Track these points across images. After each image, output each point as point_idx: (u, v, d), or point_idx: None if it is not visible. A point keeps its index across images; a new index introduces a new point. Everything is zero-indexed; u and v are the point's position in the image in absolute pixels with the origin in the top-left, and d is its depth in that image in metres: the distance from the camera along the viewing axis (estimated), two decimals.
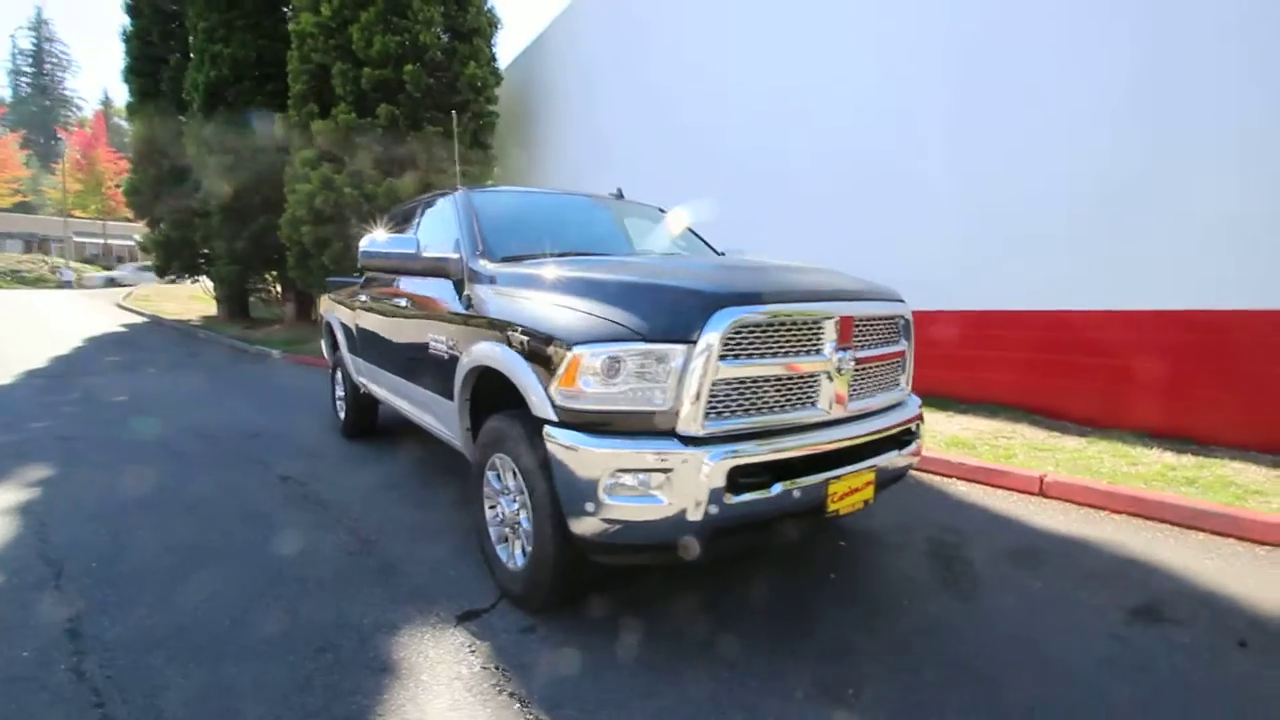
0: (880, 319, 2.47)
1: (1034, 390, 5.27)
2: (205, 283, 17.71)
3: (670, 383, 2.01)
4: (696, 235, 4.00)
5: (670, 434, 2.04)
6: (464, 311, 2.77)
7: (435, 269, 3.02)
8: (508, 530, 2.57)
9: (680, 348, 2.00)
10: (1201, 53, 4.41)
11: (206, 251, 15.92)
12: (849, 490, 2.27)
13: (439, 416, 3.19)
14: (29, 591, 2.64)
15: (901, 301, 2.62)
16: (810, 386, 2.25)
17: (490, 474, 2.66)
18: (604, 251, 3.47)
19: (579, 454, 2.04)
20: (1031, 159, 5.28)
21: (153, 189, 15.88)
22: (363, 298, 4.41)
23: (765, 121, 7.90)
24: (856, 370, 2.35)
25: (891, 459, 2.48)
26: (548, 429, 2.14)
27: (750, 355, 2.09)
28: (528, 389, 2.22)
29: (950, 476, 4.18)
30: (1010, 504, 3.72)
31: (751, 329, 2.08)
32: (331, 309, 5.55)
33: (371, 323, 4.17)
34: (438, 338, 3.00)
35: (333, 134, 11.21)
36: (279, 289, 16.08)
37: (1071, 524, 3.41)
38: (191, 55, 14.16)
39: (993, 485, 4.00)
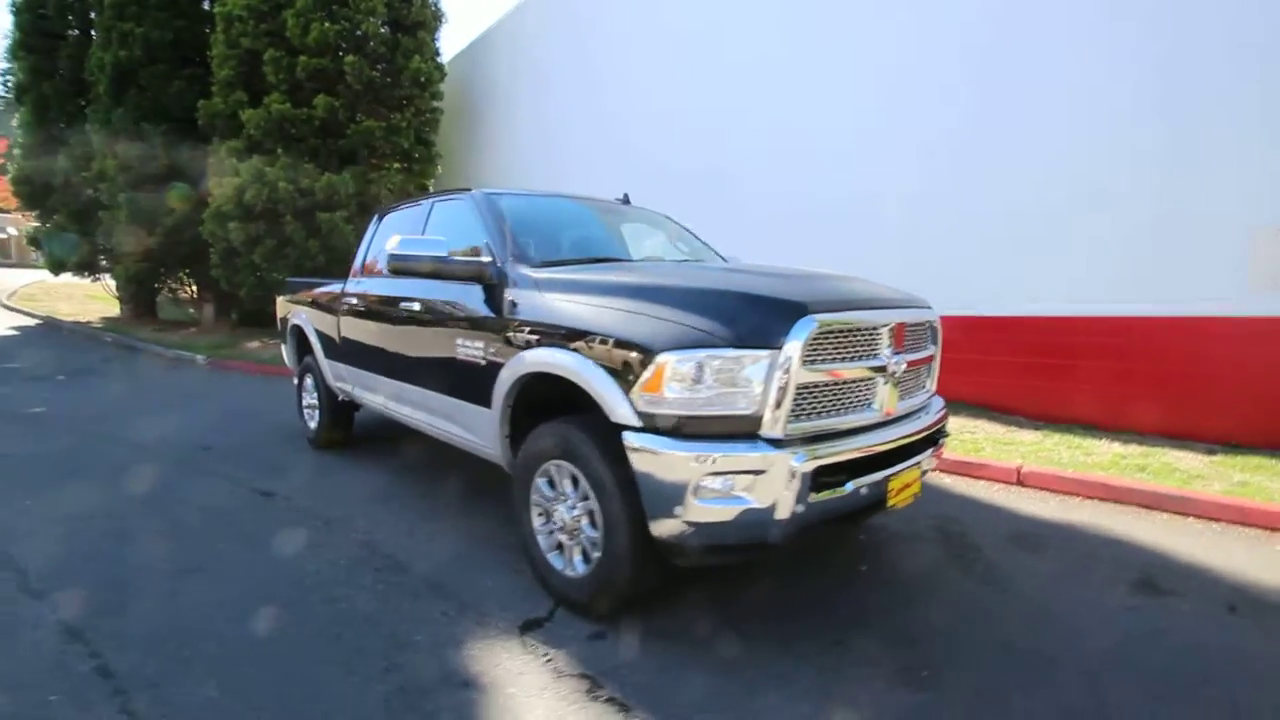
0: (921, 325, 2.63)
1: (991, 389, 5.70)
2: (107, 281, 16.17)
3: (755, 388, 2.08)
4: (703, 242, 4.08)
5: (752, 437, 2.11)
6: (506, 317, 2.72)
7: (466, 273, 2.94)
8: (563, 537, 2.56)
9: (765, 354, 2.07)
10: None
11: (108, 248, 14.55)
12: (903, 486, 2.41)
13: (465, 424, 3.11)
14: (44, 658, 2.39)
15: (931, 309, 2.80)
16: (869, 389, 2.38)
17: (540, 481, 2.63)
18: (626, 256, 3.49)
19: (667, 459, 2.07)
20: (966, 178, 5.71)
21: (45, 178, 14.35)
22: (351, 301, 4.20)
23: (712, 130, 8.11)
24: (904, 373, 2.50)
25: (927, 456, 2.65)
26: (629, 435, 2.16)
27: (823, 360, 2.19)
28: (604, 395, 2.22)
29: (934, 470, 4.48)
30: (994, 494, 4.03)
31: (827, 335, 2.18)
32: (296, 312, 5.25)
33: (365, 327, 3.99)
34: (469, 344, 2.93)
35: (265, 124, 10.55)
36: (195, 289, 14.92)
37: (1053, 510, 3.73)
38: (95, 33, 12.93)
39: (973, 477, 4.31)
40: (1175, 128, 4.70)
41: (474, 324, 2.92)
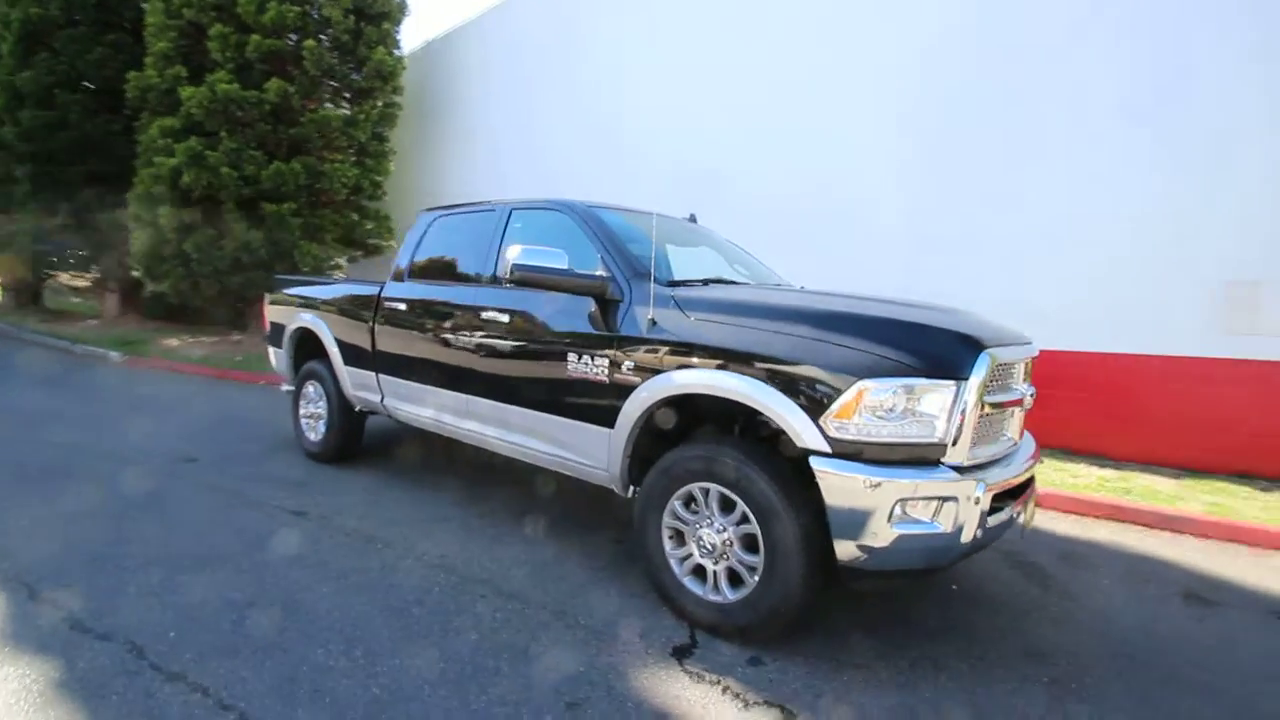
0: (1035, 360, 2.84)
1: None
2: None
3: (942, 417, 2.17)
4: (766, 266, 4.17)
5: (937, 464, 2.20)
6: (645, 335, 2.67)
7: (589, 288, 2.86)
8: (706, 561, 2.53)
9: (952, 384, 2.17)
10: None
11: None
12: (1029, 509, 2.59)
13: (568, 443, 3.00)
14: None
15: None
16: (1008, 420, 2.54)
17: (676, 504, 2.60)
18: (732, 277, 3.50)
19: (861, 484, 2.12)
20: (957, 202, 6.20)
21: None
22: (396, 306, 3.95)
23: (705, 130, 8.29)
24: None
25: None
26: (818, 460, 2.19)
27: (990, 392, 2.32)
28: (789, 420, 2.24)
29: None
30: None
31: (995, 369, 2.31)
32: (301, 315, 4.86)
33: (417, 336, 3.76)
34: (588, 361, 2.84)
35: (209, 104, 9.68)
36: (96, 277, 13.36)
37: (1074, 529, 4.09)
38: None
39: None
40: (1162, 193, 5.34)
41: (594, 341, 2.84)
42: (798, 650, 2.42)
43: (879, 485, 2.12)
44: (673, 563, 2.63)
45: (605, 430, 2.83)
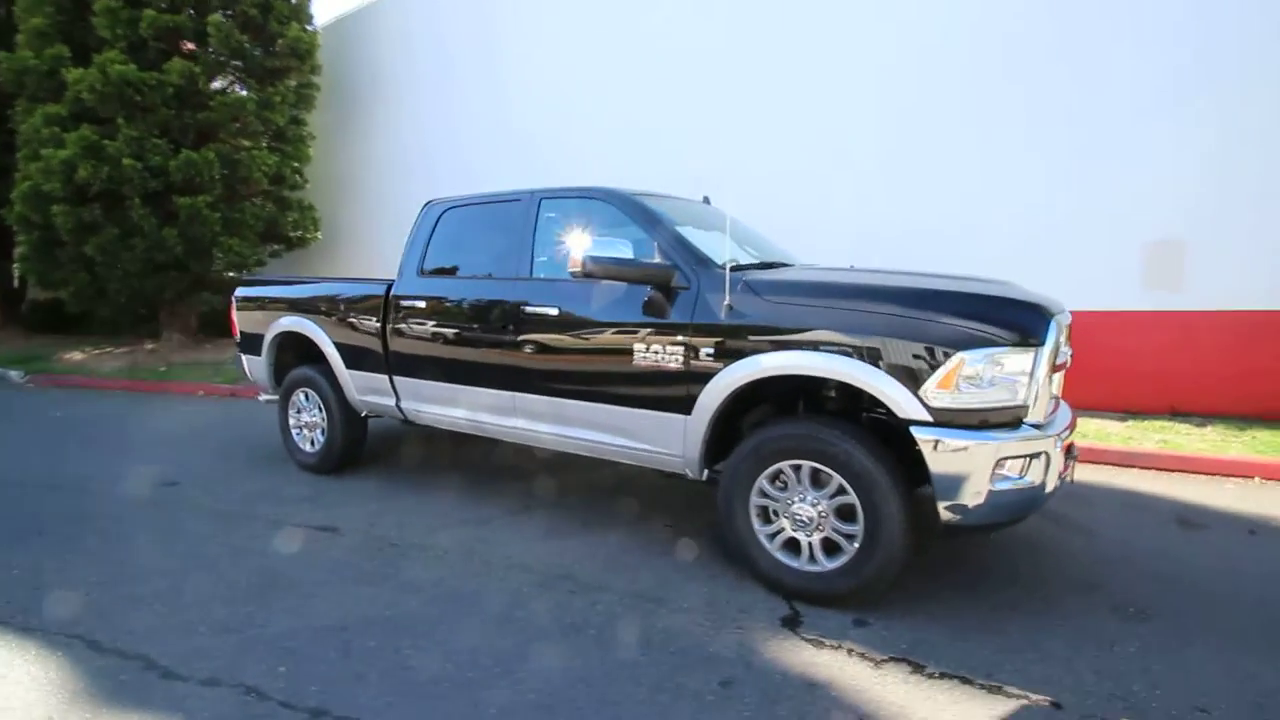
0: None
1: None
2: None
3: (1023, 380, 2.37)
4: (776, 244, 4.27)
5: (1019, 424, 2.40)
6: (724, 322, 2.71)
7: (652, 278, 2.86)
8: (799, 534, 2.64)
9: (1031, 351, 2.37)
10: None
11: None
12: (1073, 462, 2.87)
13: (638, 433, 3.01)
14: None
15: None
16: (1055, 381, 2.79)
17: (763, 482, 2.69)
18: (782, 258, 3.58)
19: (963, 448, 2.29)
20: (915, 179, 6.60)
21: None
22: (415, 305, 3.77)
23: (631, 126, 8.34)
24: None
25: None
26: (921, 430, 2.33)
27: (1053, 355, 2.55)
28: (890, 394, 2.37)
29: None
30: None
31: (1058, 333, 2.54)
32: (284, 320, 4.53)
33: (446, 335, 3.62)
34: (660, 350, 2.85)
35: (102, 88, 8.65)
36: None
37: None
38: None
39: None
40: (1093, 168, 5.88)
41: (665, 330, 2.85)
42: (890, 610, 2.58)
43: (979, 448, 2.29)
44: (763, 539, 2.72)
45: (680, 417, 2.86)
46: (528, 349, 3.31)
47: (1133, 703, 2.03)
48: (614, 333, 3.02)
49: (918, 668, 2.21)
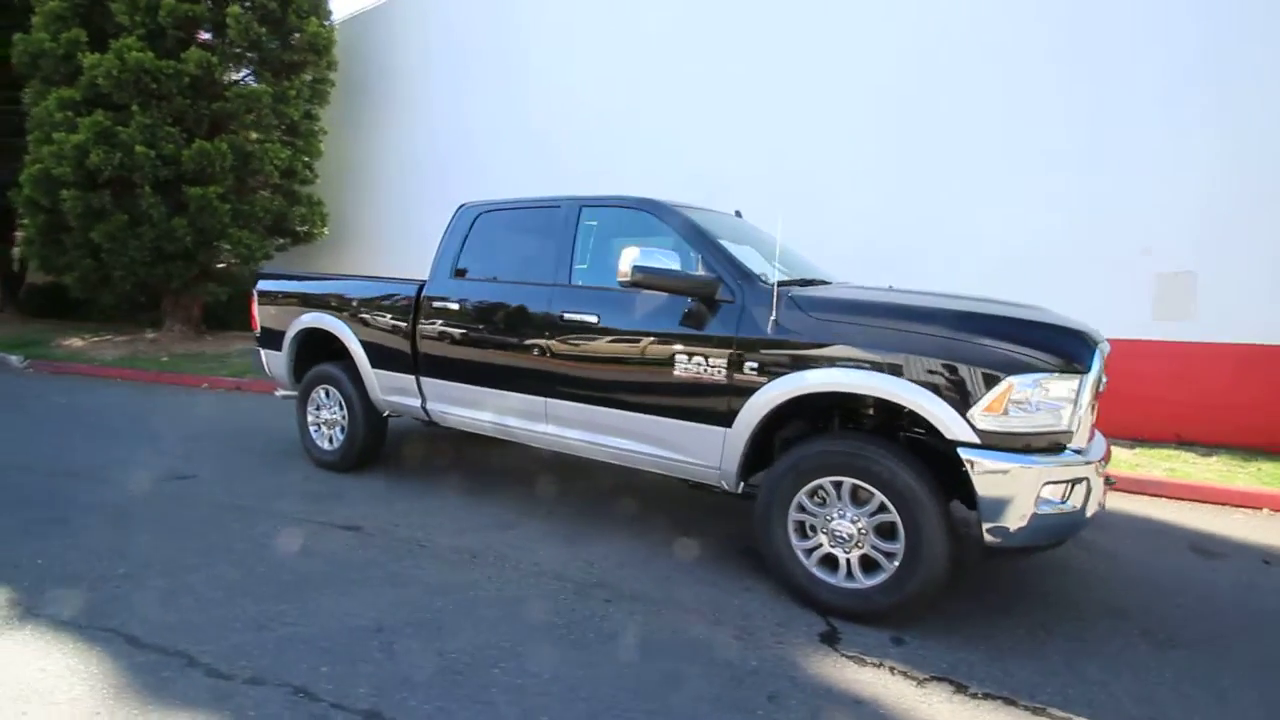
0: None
1: None
2: None
3: (1069, 407, 2.40)
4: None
5: (1063, 450, 2.43)
6: (770, 336, 2.73)
7: (697, 290, 2.88)
8: (836, 550, 2.65)
9: (1077, 378, 2.41)
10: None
11: None
12: (1106, 487, 2.91)
13: (674, 443, 3.02)
14: None
15: None
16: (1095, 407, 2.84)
17: (804, 497, 2.71)
18: (818, 274, 3.62)
19: (1013, 472, 2.32)
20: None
21: None
22: (447, 307, 3.77)
23: (650, 136, 8.41)
24: None
25: None
26: (968, 451, 2.36)
27: (1096, 383, 2.59)
28: (937, 415, 2.39)
29: None
30: None
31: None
32: (307, 316, 4.52)
33: (480, 338, 3.63)
34: (702, 362, 2.87)
35: (119, 74, 8.61)
36: None
37: None
38: None
39: None
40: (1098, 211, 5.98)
41: (709, 343, 2.87)
42: (927, 629, 2.60)
43: (1024, 471, 2.32)
44: (800, 554, 2.74)
45: (720, 430, 2.88)
46: (564, 355, 3.32)
47: None
48: (656, 343, 3.04)
49: (960, 688, 2.23)
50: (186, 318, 10.73)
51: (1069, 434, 2.43)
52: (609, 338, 3.20)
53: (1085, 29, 6.02)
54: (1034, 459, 2.35)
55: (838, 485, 2.64)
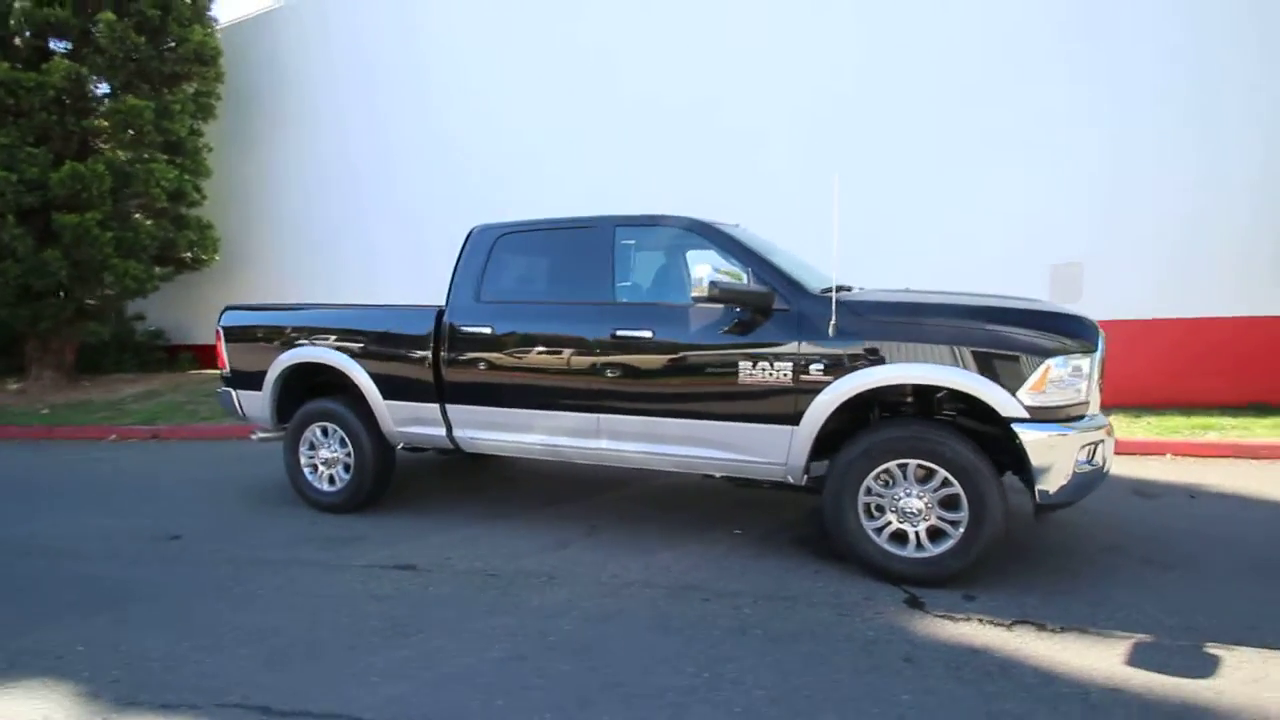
0: None
1: None
2: None
3: (1085, 381, 2.89)
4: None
5: (1083, 418, 2.92)
6: (833, 339, 3.01)
7: (758, 301, 3.11)
8: (904, 525, 2.99)
9: (1089, 357, 2.90)
10: None
11: None
12: None
13: (740, 445, 3.22)
14: None
15: None
16: None
17: (871, 481, 3.02)
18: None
19: (1062, 440, 2.76)
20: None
21: None
22: (480, 333, 3.72)
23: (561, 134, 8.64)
24: None
25: None
26: (1021, 426, 2.77)
27: (1103, 360, 3.10)
28: (994, 396, 2.79)
29: None
30: None
31: None
32: (298, 349, 4.24)
33: (520, 362, 3.64)
34: (768, 368, 3.09)
35: None
36: None
37: None
38: None
39: None
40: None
41: (773, 349, 3.11)
42: (985, 585, 2.99)
43: (1067, 438, 2.78)
44: (870, 533, 3.05)
45: (787, 428, 3.13)
46: (618, 372, 3.42)
47: (1202, 629, 2.56)
48: (718, 353, 3.23)
49: (1040, 626, 2.62)
50: (58, 363, 9.37)
51: (1087, 404, 2.92)
52: (666, 351, 3.35)
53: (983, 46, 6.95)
54: (1068, 428, 2.81)
55: (903, 467, 2.97)
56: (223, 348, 4.55)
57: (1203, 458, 5.21)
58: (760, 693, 2.20)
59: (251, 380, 4.45)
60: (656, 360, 3.37)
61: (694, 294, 3.01)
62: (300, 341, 4.29)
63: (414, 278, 9.32)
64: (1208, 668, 2.32)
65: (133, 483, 5.30)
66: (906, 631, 2.61)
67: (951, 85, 7.04)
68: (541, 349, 3.62)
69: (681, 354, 3.32)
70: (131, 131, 8.67)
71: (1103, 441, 2.92)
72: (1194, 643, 2.48)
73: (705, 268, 2.99)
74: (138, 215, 9.46)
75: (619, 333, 3.42)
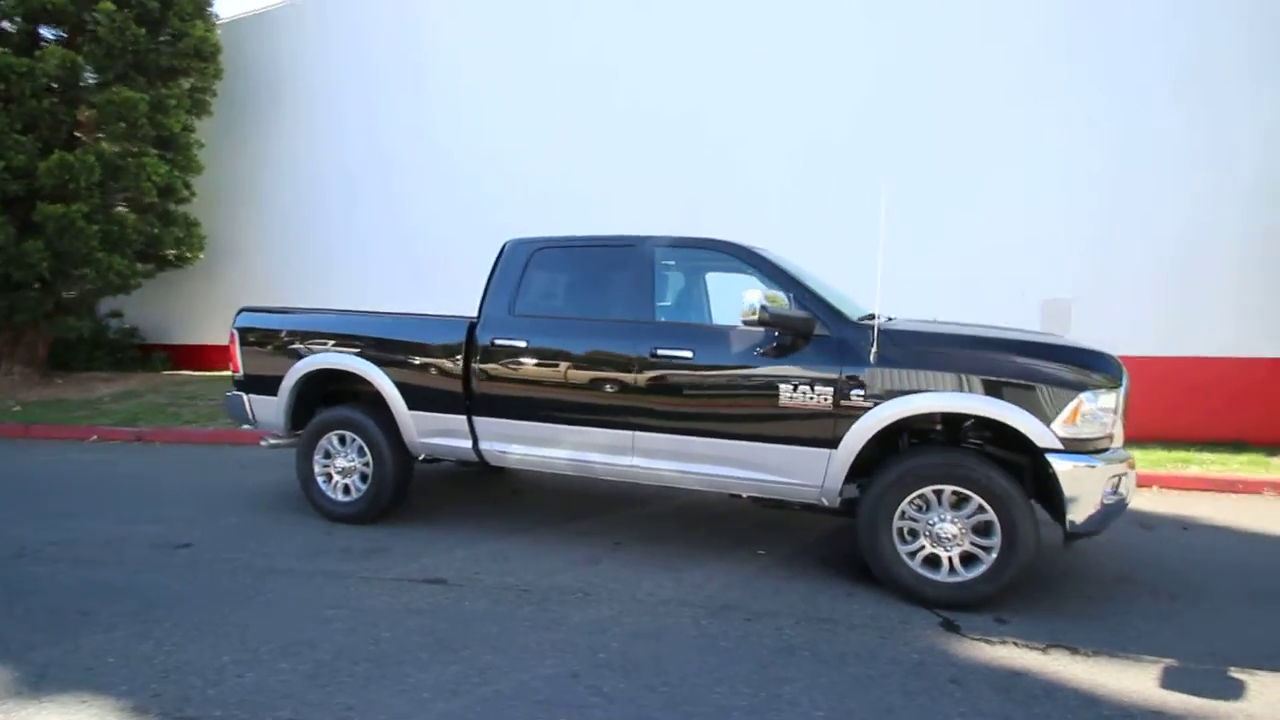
0: None
1: None
2: None
3: (1112, 416, 3.03)
4: None
5: (1108, 450, 3.04)
6: (872, 366, 3.09)
7: (801, 327, 3.19)
8: (937, 550, 3.06)
9: (1115, 391, 3.04)
10: None
11: None
12: None
13: (775, 467, 3.27)
14: None
15: None
16: None
17: (907, 506, 3.10)
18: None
19: (1091, 471, 2.88)
20: None
21: None
22: (514, 345, 3.71)
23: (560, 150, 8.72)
24: None
25: None
26: (1054, 456, 2.88)
27: (1126, 395, 3.24)
28: (1029, 427, 2.89)
29: None
30: None
31: None
32: (319, 355, 4.18)
33: (554, 378, 3.66)
34: (807, 392, 3.17)
35: None
36: None
37: None
38: None
39: None
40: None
41: (815, 373, 3.18)
42: (1014, 609, 3.08)
43: (1097, 469, 2.90)
44: (904, 557, 3.12)
45: (825, 451, 3.19)
46: (656, 390, 3.46)
47: (1222, 655, 2.68)
48: (758, 375, 3.29)
49: (1073, 650, 2.71)
50: (29, 358, 8.99)
51: (1112, 437, 3.05)
52: (705, 371, 3.40)
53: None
54: (1096, 459, 2.94)
55: (938, 493, 3.06)
56: (237, 350, 4.45)
57: (1187, 490, 5.45)
58: (819, 714, 2.23)
59: (265, 385, 4.36)
60: (695, 380, 3.41)
61: (744, 317, 3.07)
62: (320, 347, 4.23)
63: (408, 285, 9.26)
64: (1235, 691, 2.44)
65: (125, 486, 5.10)
66: (948, 654, 2.68)
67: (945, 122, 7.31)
68: (578, 365, 3.63)
69: (721, 375, 3.38)
70: (124, 124, 8.45)
71: (1126, 474, 3.05)
72: (1217, 667, 2.60)
73: (756, 292, 3.06)
74: (122, 209, 9.20)
75: (659, 352, 3.46)
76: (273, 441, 4.49)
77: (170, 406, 7.90)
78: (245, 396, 4.47)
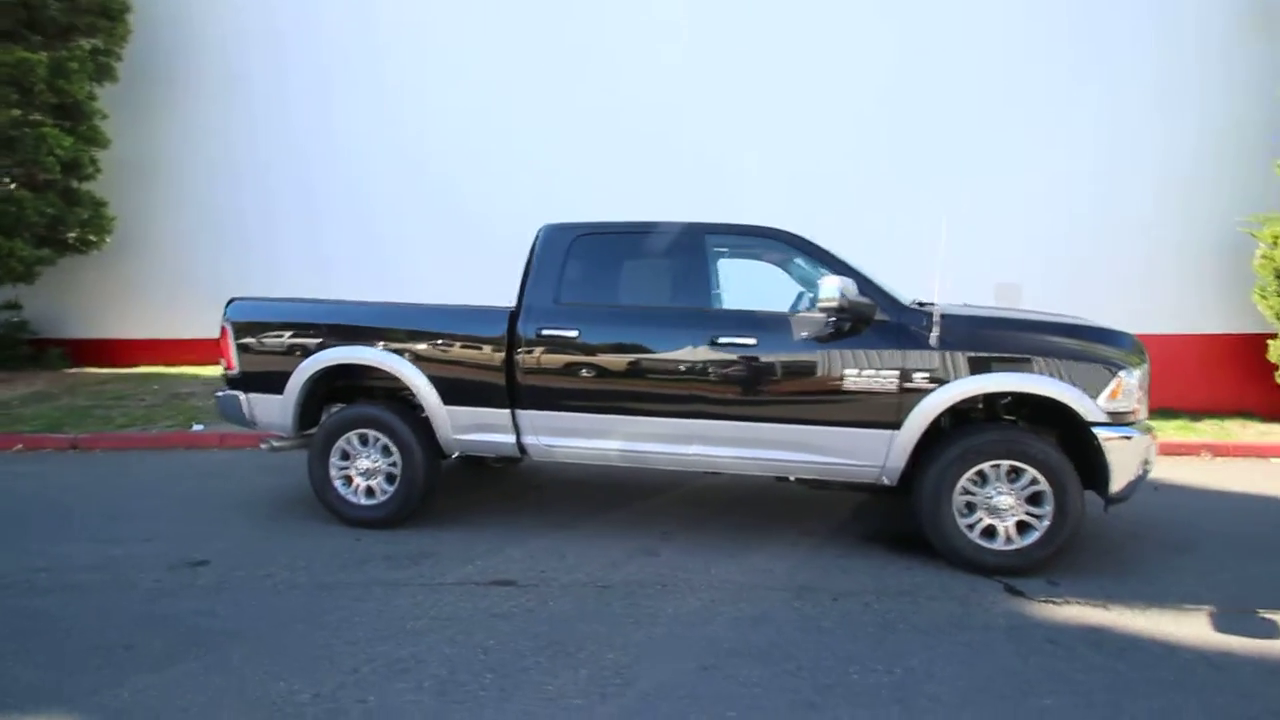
0: None
1: None
2: None
3: (1138, 391, 3.33)
4: None
5: (1135, 423, 3.34)
6: (935, 349, 3.23)
7: (865, 313, 3.28)
8: (994, 521, 3.27)
9: (1142, 368, 3.35)
10: None
11: None
12: None
13: (838, 449, 3.36)
14: None
15: None
16: None
17: (966, 481, 3.28)
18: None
19: (1136, 442, 3.16)
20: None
21: None
22: (567, 335, 3.57)
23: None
24: None
25: None
26: (1101, 429, 3.14)
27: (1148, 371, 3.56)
28: (1080, 403, 3.13)
29: None
30: None
31: None
32: (332, 350, 3.86)
33: (610, 368, 3.56)
34: (873, 375, 3.27)
35: None
36: None
37: None
38: None
39: None
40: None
41: (879, 357, 3.29)
42: (1061, 572, 3.33)
43: (1143, 442, 3.21)
44: (964, 529, 3.31)
45: (888, 433, 3.32)
46: (717, 378, 3.45)
47: (1247, 600, 3.05)
48: (822, 360, 3.36)
49: (1129, 604, 2.99)
50: None
51: (1136, 410, 3.36)
52: (767, 357, 3.43)
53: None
54: (1133, 430, 3.23)
55: (995, 468, 3.26)
56: (230, 345, 4.02)
57: None
58: (961, 684, 2.34)
59: (267, 382, 3.98)
60: (757, 367, 3.44)
61: (822, 305, 3.12)
62: (333, 341, 3.91)
63: (369, 272, 8.72)
64: (1274, 630, 2.78)
65: (82, 501, 4.50)
66: (1029, 617, 2.88)
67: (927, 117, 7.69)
68: (635, 355, 3.56)
69: (783, 361, 3.42)
70: (16, 92, 7.37)
71: (1152, 444, 3.37)
72: (1249, 610, 2.95)
73: (834, 280, 3.11)
74: (15, 187, 8.05)
75: (720, 339, 3.45)
76: (276, 445, 4.11)
77: (96, 409, 7.03)
78: (242, 395, 4.05)
